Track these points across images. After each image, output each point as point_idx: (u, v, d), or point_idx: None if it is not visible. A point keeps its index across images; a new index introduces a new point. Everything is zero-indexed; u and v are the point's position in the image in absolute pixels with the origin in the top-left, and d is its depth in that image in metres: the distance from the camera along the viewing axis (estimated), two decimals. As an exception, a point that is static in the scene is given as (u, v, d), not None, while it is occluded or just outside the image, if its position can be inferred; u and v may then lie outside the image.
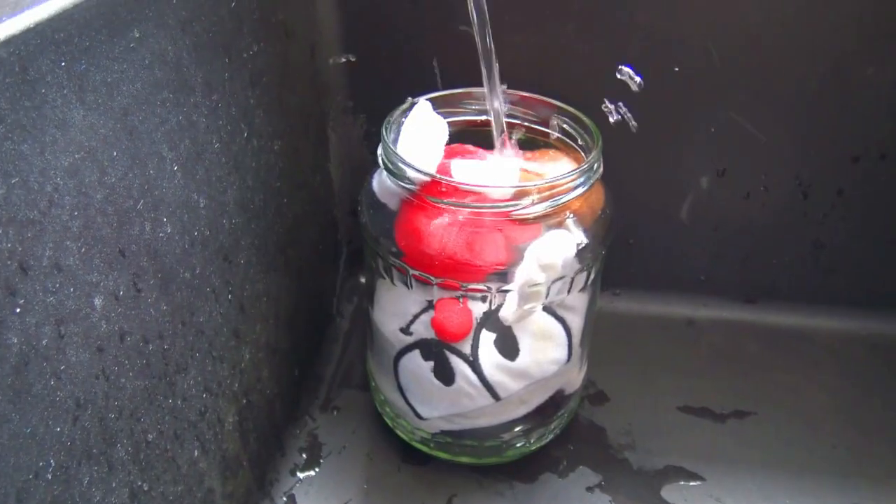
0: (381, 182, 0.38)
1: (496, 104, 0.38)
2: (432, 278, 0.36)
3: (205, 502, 0.34)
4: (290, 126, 0.43)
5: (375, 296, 0.40)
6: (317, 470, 0.43)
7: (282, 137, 0.42)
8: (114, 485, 0.27)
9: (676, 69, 0.47)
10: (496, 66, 0.37)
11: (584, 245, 0.36)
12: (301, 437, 0.45)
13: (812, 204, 0.50)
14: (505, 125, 0.39)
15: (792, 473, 0.43)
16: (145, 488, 0.29)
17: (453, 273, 0.35)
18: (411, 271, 0.36)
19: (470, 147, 0.40)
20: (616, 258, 0.54)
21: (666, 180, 0.51)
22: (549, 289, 0.36)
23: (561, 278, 0.36)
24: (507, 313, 0.36)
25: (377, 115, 0.40)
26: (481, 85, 0.38)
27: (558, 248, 0.35)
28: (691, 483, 0.43)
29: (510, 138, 0.39)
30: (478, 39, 0.36)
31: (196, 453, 0.33)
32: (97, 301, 0.25)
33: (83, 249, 0.24)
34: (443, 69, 0.42)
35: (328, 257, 0.52)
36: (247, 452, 0.38)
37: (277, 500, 0.41)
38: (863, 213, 0.50)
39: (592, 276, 0.39)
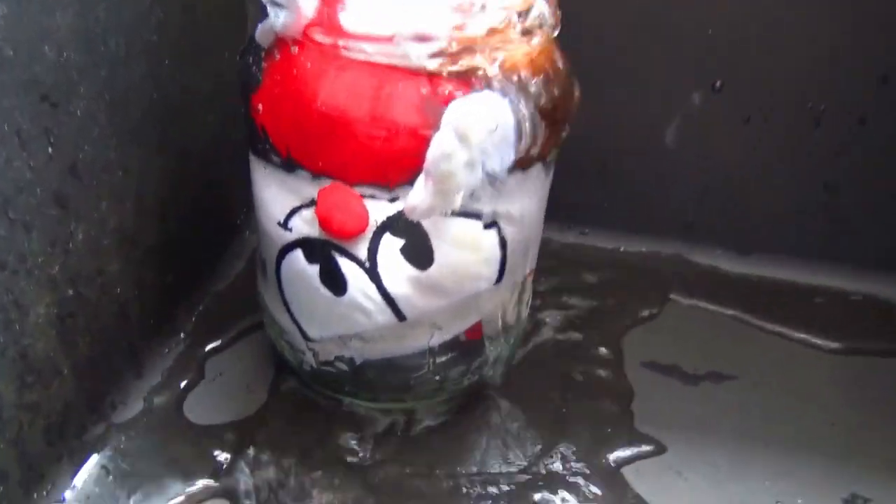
0: (263, 26, 0.29)
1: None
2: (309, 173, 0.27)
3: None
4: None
5: (253, 179, 0.32)
6: (178, 395, 0.34)
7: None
8: None
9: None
10: None
11: (523, 117, 0.27)
12: (168, 357, 0.36)
13: (825, 134, 0.41)
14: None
15: (771, 450, 0.34)
16: None
17: (341, 144, 0.27)
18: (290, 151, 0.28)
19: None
20: (586, 190, 0.45)
21: (649, 96, 0.42)
22: (472, 175, 0.27)
23: (489, 163, 0.27)
24: (416, 202, 0.28)
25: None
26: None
27: (480, 114, 0.26)
28: (649, 454, 0.34)
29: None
30: None
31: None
32: None
33: None
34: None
35: (236, 157, 0.43)
36: (69, 358, 0.30)
37: (115, 421, 0.33)
38: (888, 150, 0.41)
39: (539, 170, 0.30)
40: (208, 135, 0.39)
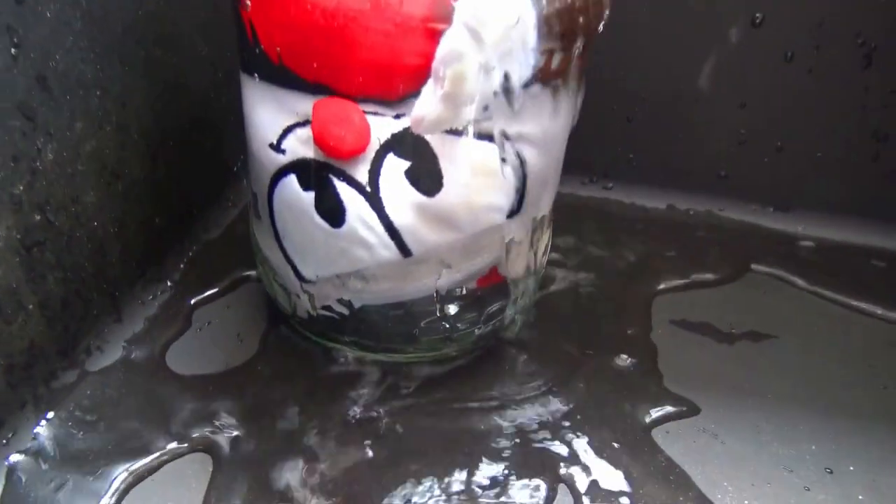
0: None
1: None
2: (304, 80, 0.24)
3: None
4: None
5: (244, 99, 0.28)
6: (161, 344, 0.31)
7: None
8: None
9: None
10: None
11: (548, 14, 0.24)
12: (152, 304, 0.33)
13: (877, 75, 0.38)
14: None
15: (817, 413, 0.31)
16: None
17: (339, 42, 0.23)
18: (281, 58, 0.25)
19: None
20: (609, 140, 0.42)
21: (680, 32, 0.39)
22: (487, 80, 0.24)
23: (507, 66, 0.24)
24: (423, 112, 0.24)
25: None
26: None
27: (498, 6, 0.23)
28: (681, 415, 0.31)
29: None
30: None
31: None
32: None
33: None
34: None
35: (234, 98, 0.40)
36: (36, 294, 0.26)
37: (90, 368, 0.29)
38: (944, 93, 0.38)
39: (565, 81, 0.27)
40: (202, 68, 0.36)
